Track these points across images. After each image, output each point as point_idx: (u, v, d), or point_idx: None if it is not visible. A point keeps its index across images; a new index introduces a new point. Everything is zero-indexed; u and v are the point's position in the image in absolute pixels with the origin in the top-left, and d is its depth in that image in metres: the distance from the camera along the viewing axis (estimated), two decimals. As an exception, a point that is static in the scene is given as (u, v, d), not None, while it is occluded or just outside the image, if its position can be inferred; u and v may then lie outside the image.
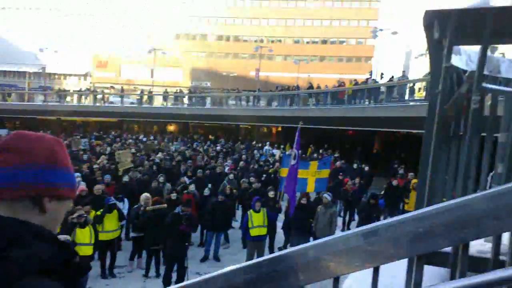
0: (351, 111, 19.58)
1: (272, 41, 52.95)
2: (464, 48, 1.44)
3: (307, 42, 54.42)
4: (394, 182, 11.73)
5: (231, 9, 54.26)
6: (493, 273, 0.79)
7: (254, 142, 26.16)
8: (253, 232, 7.90)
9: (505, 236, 1.11)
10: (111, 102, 31.45)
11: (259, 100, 28.18)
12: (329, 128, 22.25)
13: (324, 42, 54.13)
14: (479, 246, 1.39)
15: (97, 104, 30.44)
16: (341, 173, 13.52)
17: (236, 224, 10.71)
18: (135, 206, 7.95)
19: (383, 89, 19.24)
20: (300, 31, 54.05)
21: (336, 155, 19.09)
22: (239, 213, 11.27)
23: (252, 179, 11.51)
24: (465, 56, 1.42)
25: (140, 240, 7.91)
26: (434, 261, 1.24)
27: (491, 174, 1.64)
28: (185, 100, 31.18)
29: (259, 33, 53.89)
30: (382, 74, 23.53)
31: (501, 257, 1.11)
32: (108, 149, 18.25)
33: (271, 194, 9.08)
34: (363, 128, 20.48)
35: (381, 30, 31.43)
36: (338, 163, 15.51)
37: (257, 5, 53.99)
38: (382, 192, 12.00)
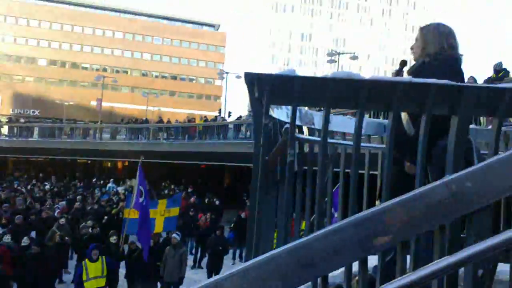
0: (203, 146, 19.81)
1: (117, 71, 50.31)
2: None
3: (156, 76, 53.92)
4: (243, 215, 12.07)
5: (68, 35, 49.29)
6: None
7: (95, 180, 23.43)
8: (89, 285, 6.91)
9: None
10: None
11: (102, 132, 25.63)
12: (183, 163, 21.85)
13: (174, 78, 54.74)
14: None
15: None
16: (192, 209, 13.17)
17: (69, 277, 9.29)
18: None
19: (231, 126, 20.25)
20: (148, 64, 53.26)
21: (189, 190, 18.85)
22: (73, 263, 9.50)
23: (90, 222, 9.91)
24: (286, 110, 1.61)
25: None
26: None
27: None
28: (4, 130, 25.82)
29: (101, 62, 50.38)
30: (230, 112, 25.01)
31: None
32: None
33: (113, 239, 7.95)
34: (214, 162, 20.89)
35: (227, 73, 33.71)
36: (192, 199, 15.28)
37: (100, 34, 50.78)
38: (232, 225, 12.18)
